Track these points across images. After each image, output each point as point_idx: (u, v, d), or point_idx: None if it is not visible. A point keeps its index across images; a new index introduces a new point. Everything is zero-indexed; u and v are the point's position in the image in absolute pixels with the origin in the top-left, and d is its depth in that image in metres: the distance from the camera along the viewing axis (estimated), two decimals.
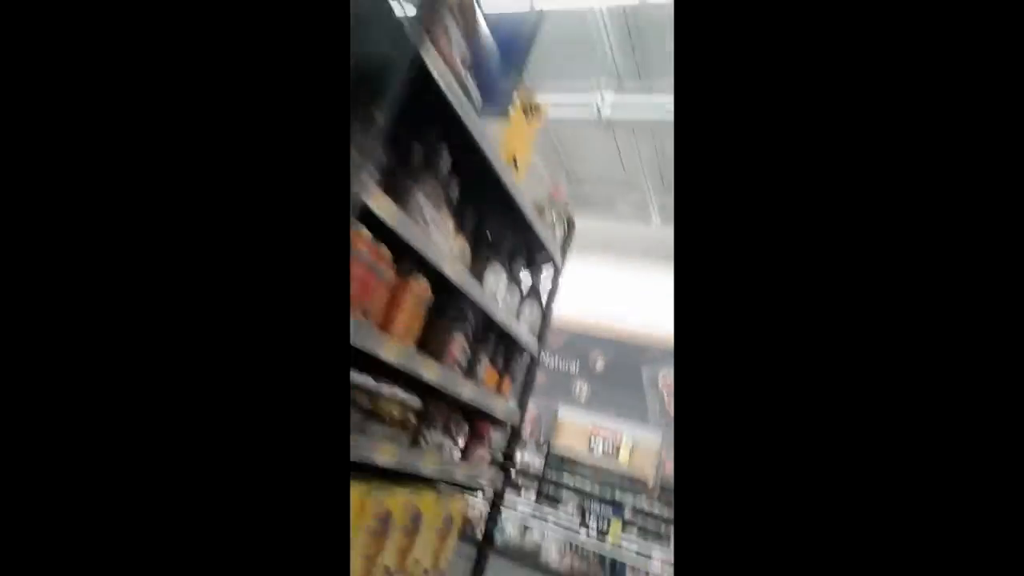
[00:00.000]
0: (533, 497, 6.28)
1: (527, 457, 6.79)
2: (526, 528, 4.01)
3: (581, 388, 7.31)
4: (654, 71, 4.12)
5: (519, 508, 4.74)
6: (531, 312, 1.64)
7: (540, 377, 7.11)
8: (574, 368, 7.43)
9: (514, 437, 1.74)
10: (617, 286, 6.84)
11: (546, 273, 1.81)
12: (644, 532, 5.85)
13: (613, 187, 5.88)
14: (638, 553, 4.48)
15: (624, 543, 4.75)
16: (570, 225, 1.81)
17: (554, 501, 6.36)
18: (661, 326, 6.80)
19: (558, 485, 6.56)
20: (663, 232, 5.41)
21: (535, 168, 5.55)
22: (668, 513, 5.86)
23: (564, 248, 1.81)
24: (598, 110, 4.22)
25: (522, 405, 1.72)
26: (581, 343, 7.48)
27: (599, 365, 7.34)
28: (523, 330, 1.60)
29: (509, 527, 4.02)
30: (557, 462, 6.73)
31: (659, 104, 3.87)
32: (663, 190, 5.32)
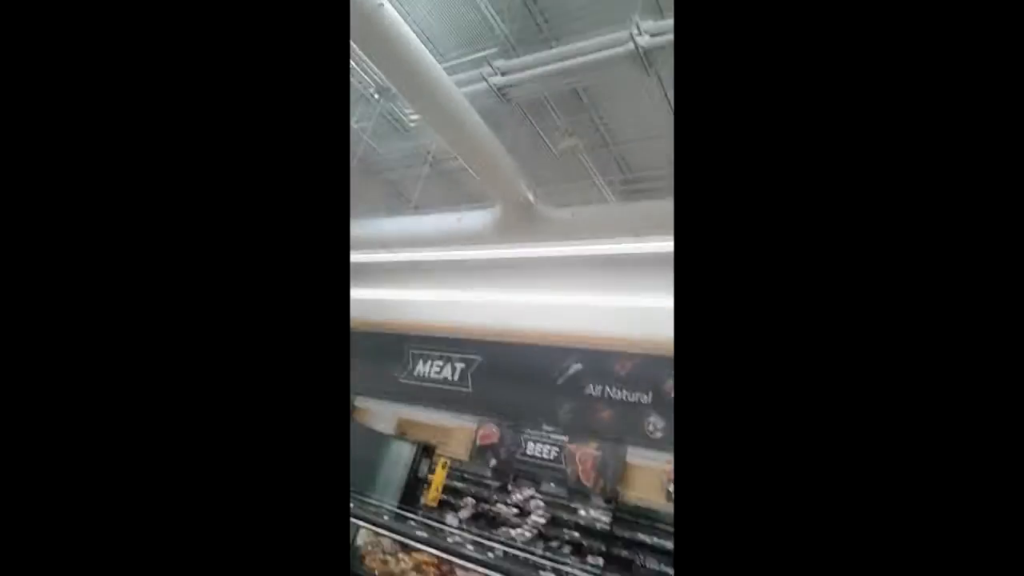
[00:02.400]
0: (601, 562, 4.98)
1: (591, 513, 5.50)
2: None
3: (655, 424, 5.97)
4: None
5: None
6: None
7: (604, 413, 5.77)
8: (645, 399, 6.12)
9: None
10: None
11: None
12: None
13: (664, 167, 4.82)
14: None
15: None
16: None
17: (627, 565, 5.02)
18: None
19: (631, 545, 5.18)
20: None
21: (581, 167, 4.61)
22: None
23: None
24: (633, 41, 3.31)
25: None
26: (653, 368, 6.18)
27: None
28: None
29: None
30: (629, 516, 5.38)
31: None
32: None
